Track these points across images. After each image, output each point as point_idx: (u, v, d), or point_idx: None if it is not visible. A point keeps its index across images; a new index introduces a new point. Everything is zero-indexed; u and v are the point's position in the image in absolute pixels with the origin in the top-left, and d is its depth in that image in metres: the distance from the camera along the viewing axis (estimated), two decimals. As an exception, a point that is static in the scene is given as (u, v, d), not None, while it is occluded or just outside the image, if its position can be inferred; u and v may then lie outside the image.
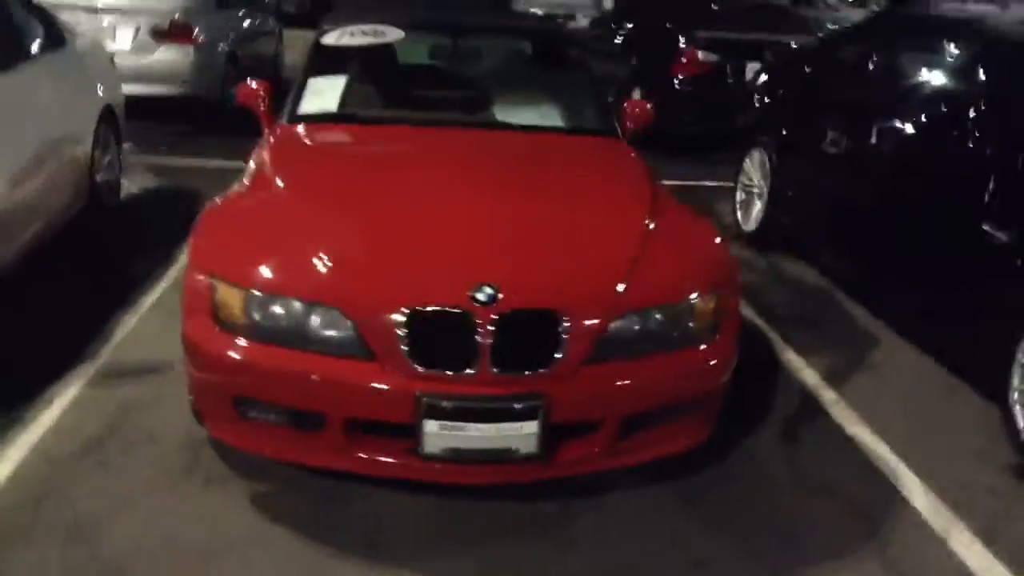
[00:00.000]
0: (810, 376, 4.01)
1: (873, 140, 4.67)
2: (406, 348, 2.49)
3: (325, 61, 4.07)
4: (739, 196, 6.14)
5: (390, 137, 3.71)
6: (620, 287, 2.72)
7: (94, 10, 7.55)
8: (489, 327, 2.51)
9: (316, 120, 3.76)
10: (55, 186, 4.47)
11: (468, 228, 2.88)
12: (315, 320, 2.56)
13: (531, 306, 2.58)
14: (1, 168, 3.88)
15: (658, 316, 2.75)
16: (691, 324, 2.81)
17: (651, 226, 3.06)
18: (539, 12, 12.24)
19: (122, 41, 7.55)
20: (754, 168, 5.97)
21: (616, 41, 9.63)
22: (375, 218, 2.92)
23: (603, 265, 2.80)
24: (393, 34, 4.15)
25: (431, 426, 2.49)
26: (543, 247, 2.84)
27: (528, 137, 3.81)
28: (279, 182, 3.15)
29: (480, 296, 2.53)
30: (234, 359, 2.55)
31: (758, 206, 5.85)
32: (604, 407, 2.66)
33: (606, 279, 2.74)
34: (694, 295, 2.81)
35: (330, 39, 4.17)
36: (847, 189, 4.91)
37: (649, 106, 4.45)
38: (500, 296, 2.54)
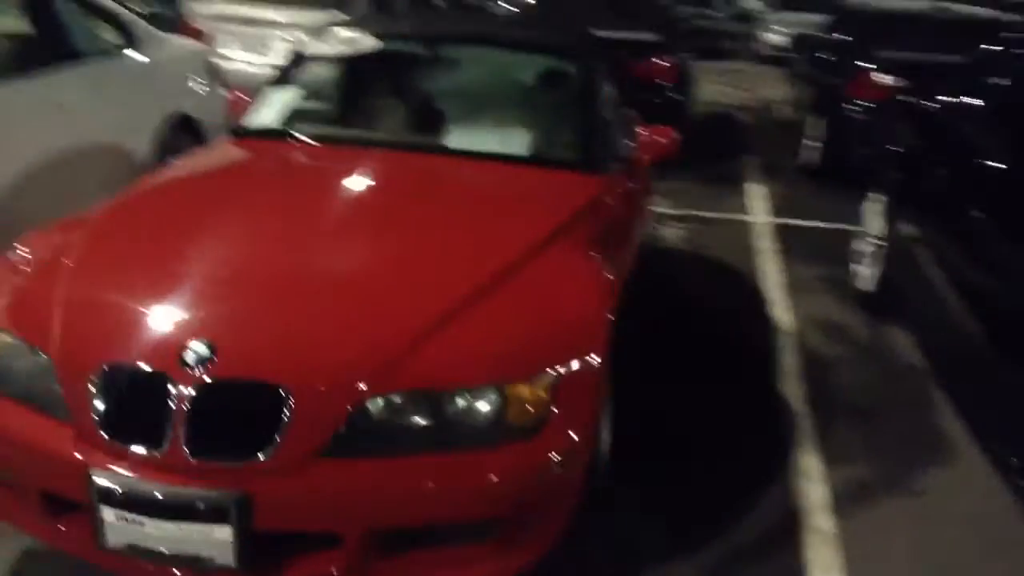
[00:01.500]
0: (816, 493, 3.07)
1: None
2: (97, 412, 2.04)
3: (297, 70, 3.71)
4: (860, 247, 5.07)
5: (298, 159, 3.28)
6: (384, 361, 2.10)
7: (251, 22, 7.78)
8: (187, 396, 1.99)
9: (249, 135, 3.39)
10: (79, 191, 4.47)
11: (242, 276, 2.37)
12: (20, 365, 2.17)
13: (241, 375, 2.04)
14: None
15: (437, 403, 2.10)
16: (493, 416, 2.12)
17: (502, 285, 2.39)
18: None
19: (275, 55, 7.70)
20: (876, 216, 4.90)
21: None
22: (154, 255, 2.48)
23: (376, 331, 2.19)
24: (368, 43, 3.71)
25: (108, 514, 2.01)
26: (318, 305, 2.26)
27: (464, 165, 3.22)
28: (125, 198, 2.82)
29: (189, 357, 2.03)
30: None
31: (879, 264, 4.78)
32: (338, 517, 2.04)
33: (367, 350, 2.13)
34: (501, 377, 2.13)
35: (308, 48, 3.82)
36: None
37: (673, 135, 3.69)
38: (214, 360, 2.02)
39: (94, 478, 2.00)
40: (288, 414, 1.99)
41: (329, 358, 2.10)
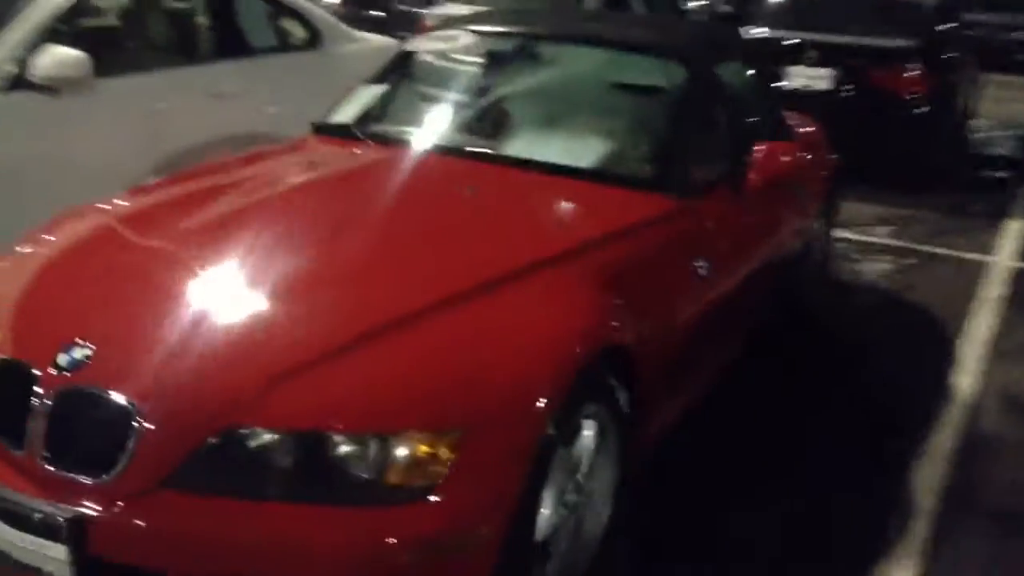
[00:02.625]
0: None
1: None
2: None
3: (395, 68, 3.55)
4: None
5: (337, 158, 3.08)
6: (253, 391, 1.84)
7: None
8: (49, 397, 1.88)
9: (321, 131, 3.27)
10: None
11: (168, 282, 2.20)
12: None
13: (96, 383, 1.87)
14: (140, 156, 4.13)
15: (293, 444, 1.80)
16: (370, 471, 1.79)
17: (443, 313, 2.05)
18: None
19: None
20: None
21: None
22: (112, 249, 2.40)
23: (258, 357, 1.93)
24: (464, 42, 3.47)
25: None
26: (223, 321, 2.04)
27: (510, 176, 2.85)
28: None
29: (62, 357, 1.91)
30: None
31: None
32: (166, 558, 1.81)
33: (237, 377, 1.88)
34: (386, 426, 1.79)
35: (411, 45, 3.65)
36: None
37: (791, 148, 3.10)
38: (86, 365, 1.89)
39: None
40: (135, 435, 1.81)
41: (192, 380, 1.89)
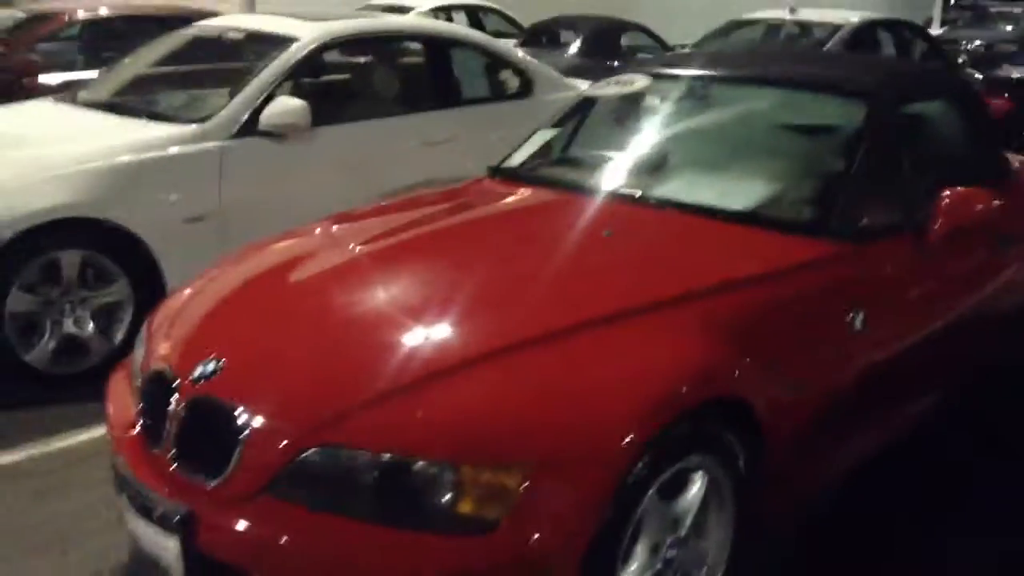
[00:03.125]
0: None
1: None
2: (137, 408, 2.27)
3: (574, 113, 3.64)
4: None
5: (495, 200, 3.17)
6: (339, 410, 1.96)
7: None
8: (180, 404, 2.11)
9: (494, 174, 3.41)
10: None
11: (320, 305, 2.39)
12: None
13: (219, 394, 2.07)
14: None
15: (379, 467, 1.89)
16: (446, 498, 1.84)
17: (535, 349, 2.08)
18: None
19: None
20: None
21: None
22: (288, 276, 2.63)
23: (355, 372, 2.06)
24: (640, 82, 3.48)
25: (123, 499, 2.21)
26: (333, 343, 2.20)
27: (662, 219, 2.81)
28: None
29: (198, 369, 2.15)
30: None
31: None
32: (260, 563, 1.95)
33: (331, 392, 2.01)
34: (464, 460, 1.84)
35: (591, 90, 3.72)
36: None
37: (983, 196, 2.82)
38: (215, 377, 2.11)
39: (116, 462, 2.24)
40: (243, 444, 1.99)
41: (287, 394, 2.05)
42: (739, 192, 2.88)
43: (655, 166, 3.14)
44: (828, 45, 8.63)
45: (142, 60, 5.18)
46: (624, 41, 11.45)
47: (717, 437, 2.20)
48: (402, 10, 12.35)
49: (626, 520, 1.98)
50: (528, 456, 1.87)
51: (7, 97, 5.45)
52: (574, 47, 10.84)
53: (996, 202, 2.92)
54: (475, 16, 13.93)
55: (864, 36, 8.93)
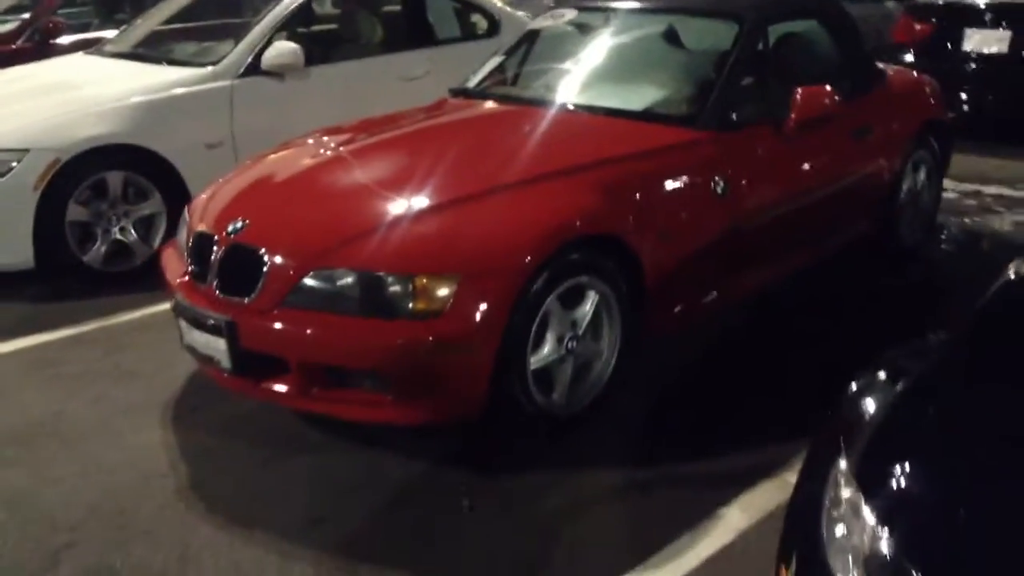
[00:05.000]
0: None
1: None
2: (188, 259, 3.16)
3: (520, 42, 4.48)
4: None
5: (453, 111, 4.02)
6: (327, 246, 2.84)
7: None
8: (219, 252, 2.99)
9: (453, 93, 4.26)
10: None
11: (302, 182, 3.33)
12: None
13: (246, 241, 2.95)
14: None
15: (357, 280, 2.77)
16: (403, 298, 2.73)
17: (466, 202, 2.97)
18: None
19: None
20: None
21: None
22: (290, 166, 3.50)
23: (334, 226, 2.94)
24: (569, 15, 4.31)
25: (182, 323, 3.11)
26: (324, 206, 3.11)
27: (573, 119, 3.68)
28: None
29: (230, 227, 3.02)
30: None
31: None
32: (283, 348, 2.84)
33: (319, 236, 2.90)
34: (412, 269, 2.72)
35: (535, 23, 4.56)
36: None
37: (828, 94, 3.65)
38: (241, 231, 2.99)
39: (176, 299, 3.13)
40: (265, 274, 2.88)
41: (293, 238, 2.94)
42: (636, 97, 3.74)
43: (576, 81, 3.99)
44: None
45: (156, 17, 6.01)
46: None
47: (603, 265, 3.08)
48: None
49: (531, 318, 2.87)
50: (458, 269, 2.74)
51: (40, 55, 6.30)
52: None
53: (846, 98, 3.74)
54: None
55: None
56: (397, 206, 3.00)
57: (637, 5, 4.23)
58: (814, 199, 3.95)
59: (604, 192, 3.12)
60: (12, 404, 3.44)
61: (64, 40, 7.33)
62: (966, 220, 5.47)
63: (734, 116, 3.61)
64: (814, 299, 4.24)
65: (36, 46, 7.07)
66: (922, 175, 4.75)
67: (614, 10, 4.24)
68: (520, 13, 6.74)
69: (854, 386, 1.96)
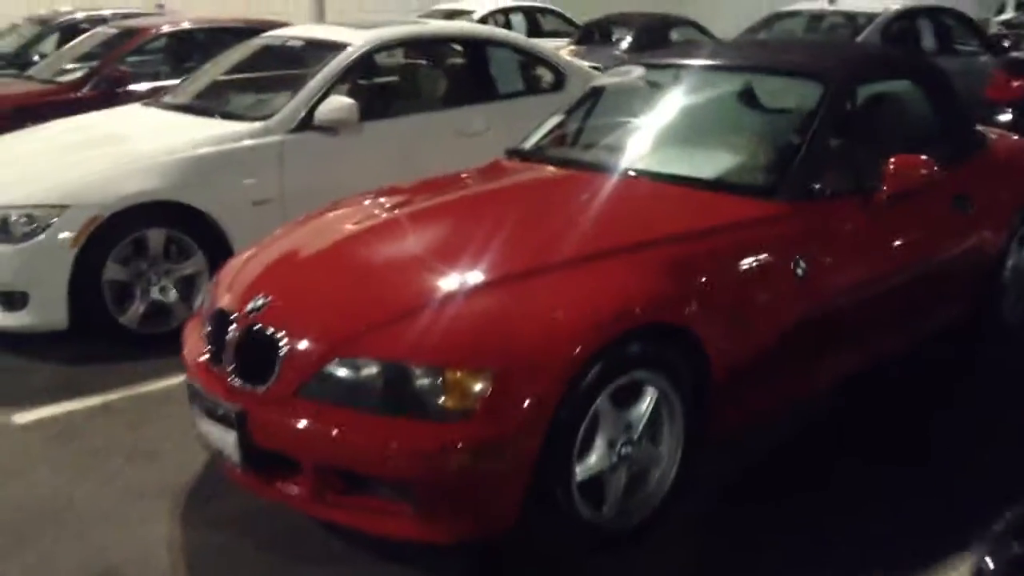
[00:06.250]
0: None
1: None
2: (207, 338, 2.89)
3: (582, 101, 4.17)
4: None
5: (509, 176, 3.70)
6: (353, 331, 2.53)
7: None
8: (236, 332, 2.71)
9: (514, 155, 3.95)
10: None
11: (349, 255, 3.01)
12: None
13: (265, 322, 2.66)
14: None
15: (381, 371, 2.45)
16: (430, 394, 2.40)
17: (511, 282, 2.64)
18: None
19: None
20: None
21: None
22: (326, 234, 3.22)
23: (361, 307, 2.63)
24: (636, 72, 3.99)
25: (195, 408, 2.83)
26: (352, 283, 2.80)
27: (639, 187, 3.32)
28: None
29: (250, 305, 2.75)
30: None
31: None
32: (295, 446, 2.53)
33: (349, 318, 2.59)
34: (444, 364, 2.39)
35: (598, 80, 4.24)
36: None
37: (925, 163, 3.24)
38: (262, 310, 2.71)
39: (190, 381, 2.85)
40: (281, 359, 2.58)
41: (316, 320, 2.63)
42: (708, 163, 3.38)
43: (642, 144, 3.65)
44: (864, 34, 8.90)
45: (217, 68, 5.90)
46: (673, 36, 11.90)
47: (665, 358, 2.70)
48: (462, 15, 12.98)
49: (578, 421, 2.51)
50: (495, 362, 2.40)
51: (106, 104, 6.25)
52: (625, 43, 11.33)
53: (945, 169, 3.32)
54: (532, 17, 14.49)
55: (903, 24, 9.17)
56: (435, 285, 2.69)
57: (711, 62, 3.89)
58: (906, 279, 3.51)
59: (669, 274, 2.75)
60: (23, 483, 3.21)
61: (134, 88, 7.33)
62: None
63: (817, 187, 3.22)
64: (901, 389, 3.77)
65: (102, 94, 7.04)
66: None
67: (685, 67, 3.90)
68: (587, 65, 6.47)
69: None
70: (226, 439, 2.66)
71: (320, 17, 11.92)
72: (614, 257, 2.77)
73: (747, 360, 2.92)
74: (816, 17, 10.00)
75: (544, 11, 14.69)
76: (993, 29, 10.80)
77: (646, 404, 2.70)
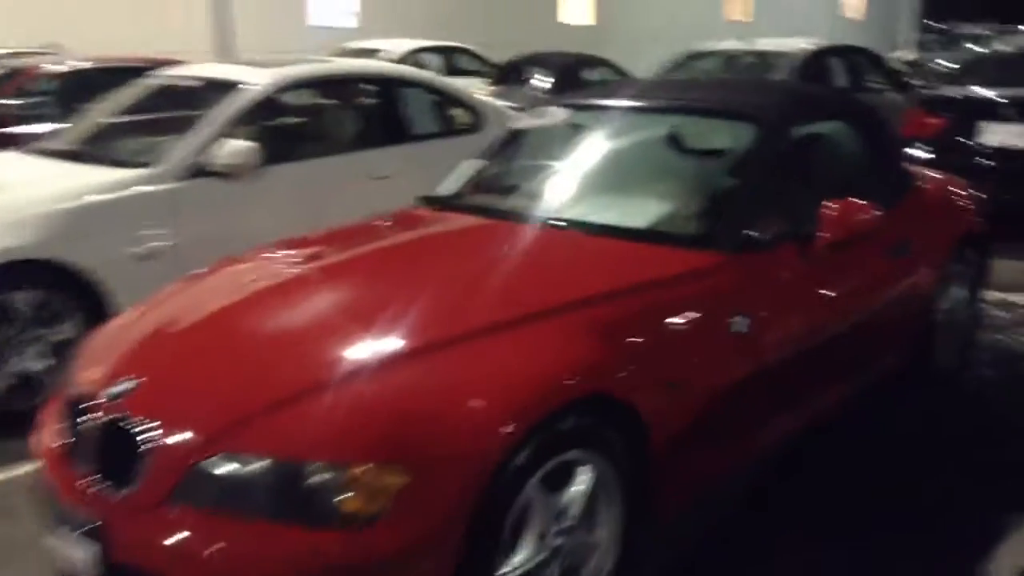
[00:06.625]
0: None
1: None
2: (63, 427, 2.45)
3: (499, 144, 3.87)
4: None
5: (418, 224, 3.38)
6: (241, 416, 2.14)
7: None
8: (96, 422, 2.29)
9: (427, 203, 3.61)
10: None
11: (236, 325, 2.60)
12: None
13: (132, 410, 2.25)
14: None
15: (269, 468, 2.07)
16: (329, 496, 2.02)
17: (418, 357, 2.28)
18: None
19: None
20: None
21: None
22: (211, 300, 2.82)
23: (256, 384, 2.25)
24: (557, 115, 3.72)
25: (43, 514, 2.38)
26: (231, 361, 2.40)
27: (561, 238, 3.02)
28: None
29: (114, 388, 2.33)
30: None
31: None
32: (168, 564, 2.11)
33: (231, 403, 2.20)
34: (349, 461, 2.02)
35: (516, 123, 3.96)
36: None
37: (864, 208, 3.03)
38: (128, 396, 2.29)
39: (38, 481, 2.41)
40: (149, 454, 2.17)
41: (192, 407, 2.23)
42: (637, 212, 3.10)
43: (567, 191, 3.35)
44: (779, 74, 8.92)
45: (103, 110, 5.42)
46: (591, 76, 11.81)
47: (599, 433, 2.38)
48: (374, 54, 12.68)
49: (504, 514, 2.16)
50: (408, 453, 2.04)
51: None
52: (544, 83, 11.18)
53: (883, 213, 3.11)
54: (449, 57, 14.28)
55: (816, 63, 9.22)
56: (337, 361, 2.31)
57: (637, 103, 3.62)
58: (847, 329, 3.29)
59: (600, 338, 2.44)
60: None
61: (16, 131, 6.77)
62: (1000, 338, 4.81)
63: (754, 235, 2.97)
64: (839, 447, 3.54)
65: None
66: (959, 292, 4.12)
67: (609, 108, 3.64)
68: (506, 105, 6.22)
69: None
70: (79, 556, 2.22)
71: (226, 55, 11.47)
72: (540, 321, 2.45)
73: (688, 428, 2.63)
74: (732, 57, 10.01)
75: (460, 51, 14.50)
76: (895, 67, 10.98)
77: (580, 486, 2.37)
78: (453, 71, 13.82)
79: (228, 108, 4.65)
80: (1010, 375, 4.38)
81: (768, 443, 3.06)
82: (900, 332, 3.71)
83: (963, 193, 4.24)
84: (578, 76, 11.43)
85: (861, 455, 3.52)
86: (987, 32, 22.10)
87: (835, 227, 3.02)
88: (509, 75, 12.00)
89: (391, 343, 2.35)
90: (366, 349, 2.34)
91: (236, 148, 4.48)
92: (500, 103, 6.37)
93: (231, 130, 4.62)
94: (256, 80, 4.85)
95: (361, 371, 2.25)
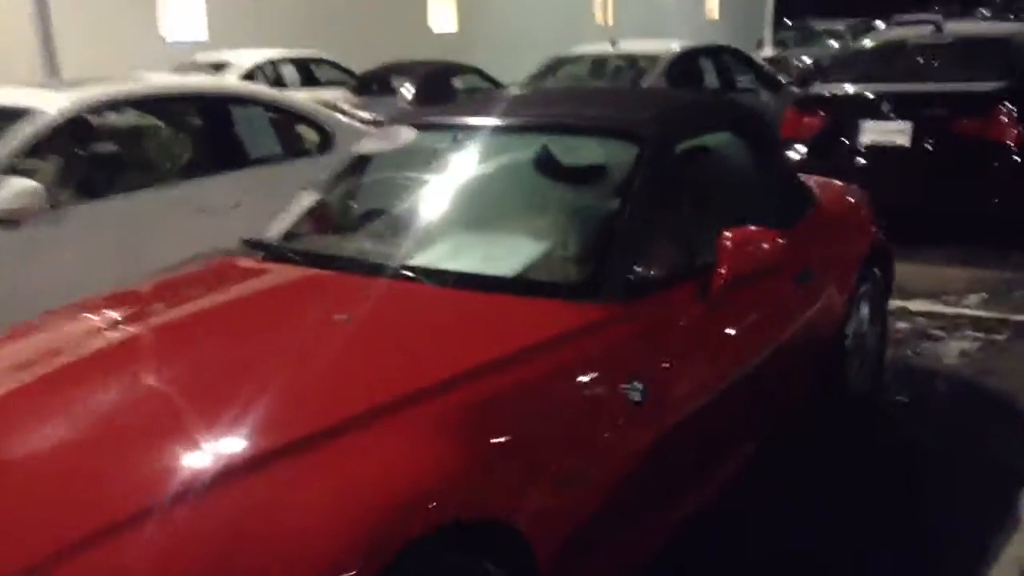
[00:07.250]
0: None
1: None
2: None
3: (341, 174, 3.25)
4: None
5: (236, 279, 2.73)
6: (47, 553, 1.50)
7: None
8: None
9: (251, 249, 2.95)
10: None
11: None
12: None
13: None
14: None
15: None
16: None
17: (242, 484, 1.67)
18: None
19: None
20: None
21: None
22: None
23: (31, 524, 1.62)
24: (406, 136, 3.13)
25: None
26: (29, 483, 1.75)
27: (431, 295, 2.42)
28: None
29: None
30: None
31: None
32: None
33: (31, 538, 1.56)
34: None
35: (360, 147, 3.35)
36: None
37: (767, 235, 2.57)
38: None
39: None
40: None
41: None
42: (505, 256, 2.54)
43: (418, 233, 2.75)
44: (648, 76, 8.60)
45: None
46: (458, 84, 11.26)
47: (469, 567, 1.82)
48: (224, 67, 11.78)
49: None
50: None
51: None
52: (407, 93, 10.56)
53: (787, 239, 2.66)
54: (305, 68, 13.48)
55: (685, 65, 8.96)
56: (110, 494, 1.66)
57: (500, 121, 3.03)
58: (752, 372, 2.84)
59: (463, 436, 1.87)
60: None
61: None
62: (909, 352, 4.52)
63: (643, 277, 2.47)
64: (756, 493, 3.11)
65: None
66: (866, 312, 3.77)
67: (467, 128, 3.06)
68: (366, 118, 5.58)
69: None
70: None
71: (53, 75, 10.35)
72: (389, 417, 1.85)
73: (582, 528, 2.09)
74: (599, 61, 9.65)
75: (317, 61, 13.69)
76: (763, 65, 10.90)
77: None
78: (311, 82, 13.03)
79: (12, 140, 3.86)
80: (921, 399, 4.06)
81: (677, 520, 2.57)
82: (810, 361, 3.31)
83: (864, 204, 3.88)
84: (445, 84, 10.87)
85: (776, 505, 3.09)
86: (843, 27, 22.74)
87: (735, 261, 2.54)
88: (370, 85, 11.34)
89: (199, 464, 1.71)
90: (166, 476, 1.69)
91: (17, 189, 3.70)
92: (352, 120, 5.72)
93: (19, 165, 3.85)
94: (50, 105, 4.07)
95: (160, 505, 1.61)
